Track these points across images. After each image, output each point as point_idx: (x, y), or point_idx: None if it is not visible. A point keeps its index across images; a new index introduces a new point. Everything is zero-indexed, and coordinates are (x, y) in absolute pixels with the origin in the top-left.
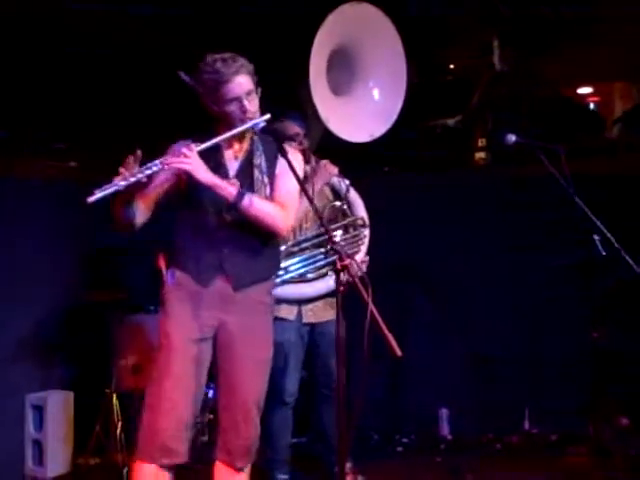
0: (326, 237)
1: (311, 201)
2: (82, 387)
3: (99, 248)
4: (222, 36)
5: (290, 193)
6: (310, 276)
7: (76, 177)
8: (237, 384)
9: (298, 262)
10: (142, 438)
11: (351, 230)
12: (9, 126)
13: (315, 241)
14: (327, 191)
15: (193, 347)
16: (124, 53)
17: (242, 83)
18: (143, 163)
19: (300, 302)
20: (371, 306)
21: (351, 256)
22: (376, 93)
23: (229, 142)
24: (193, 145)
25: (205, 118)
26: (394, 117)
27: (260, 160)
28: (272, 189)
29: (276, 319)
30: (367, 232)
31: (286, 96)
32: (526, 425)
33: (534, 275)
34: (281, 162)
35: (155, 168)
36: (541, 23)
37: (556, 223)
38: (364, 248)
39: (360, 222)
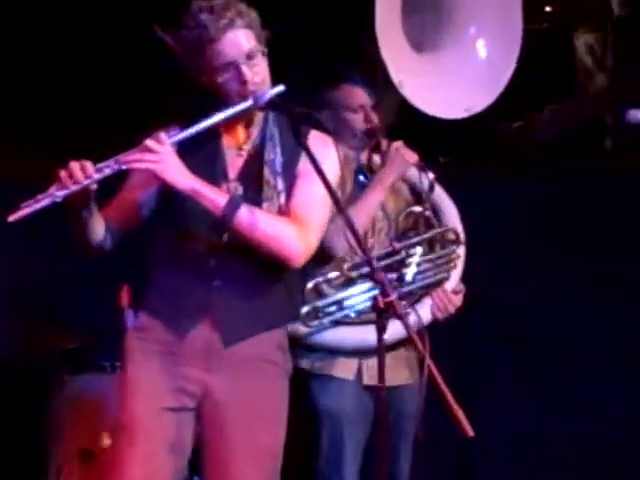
0: (402, 256)
1: (341, 211)
2: None
3: (30, 279)
4: None
5: (314, 203)
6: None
7: None
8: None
9: (358, 294)
10: None
11: (438, 247)
12: None
13: (385, 263)
14: (404, 189)
15: (166, 424)
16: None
17: (237, 41)
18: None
19: (361, 354)
20: (429, 363)
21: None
22: (481, 46)
23: (231, 127)
24: (163, 134)
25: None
26: (504, 82)
27: (274, 154)
28: (289, 197)
29: (330, 379)
30: (462, 251)
31: (344, 50)
32: None
33: None
34: (305, 157)
35: (109, 171)
36: None
37: None
38: (457, 273)
39: (452, 236)
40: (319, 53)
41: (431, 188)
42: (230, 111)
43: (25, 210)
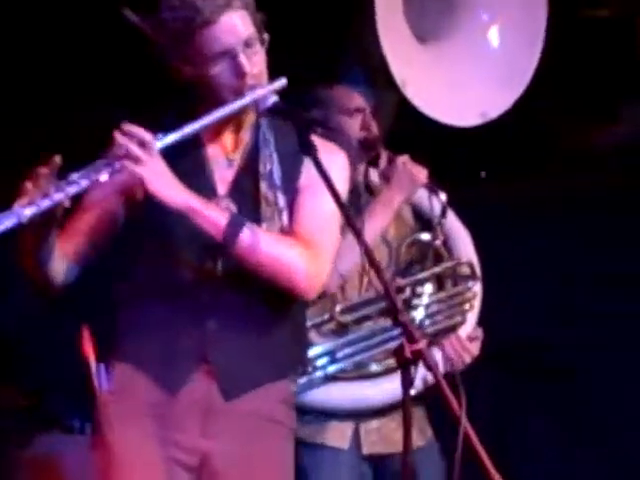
0: (406, 295)
1: (358, 235)
2: None
3: None
4: None
5: (323, 222)
6: (374, 368)
7: None
8: None
9: (354, 342)
10: None
11: (449, 284)
12: None
13: (382, 306)
14: (407, 214)
15: None
16: None
17: (235, 26)
18: (62, 175)
19: (358, 417)
20: (464, 424)
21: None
22: (494, 35)
23: (216, 132)
24: (149, 136)
25: (175, 90)
26: (526, 80)
27: (271, 164)
28: (292, 216)
29: (321, 448)
30: (478, 287)
31: (337, 43)
32: None
33: None
34: (308, 167)
35: (85, 183)
36: None
37: None
38: (473, 315)
39: (466, 270)
40: (309, 43)
41: (443, 213)
42: (226, 109)
43: None
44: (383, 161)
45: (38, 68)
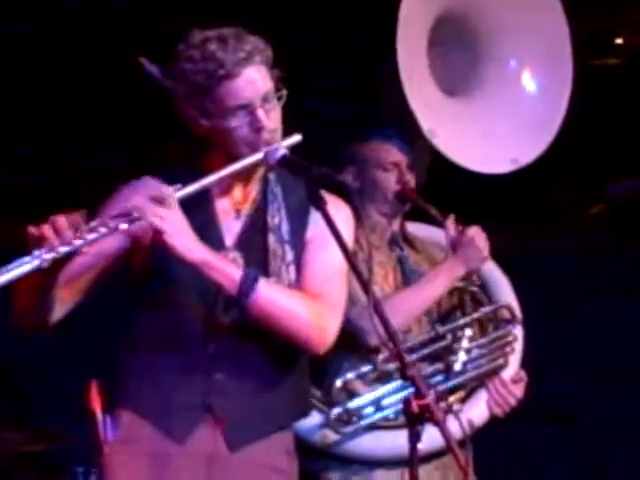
0: (447, 342)
1: (366, 289)
2: None
3: None
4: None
5: (332, 276)
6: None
7: None
8: None
9: (398, 390)
10: None
11: (490, 328)
12: None
13: (427, 351)
14: (439, 256)
15: None
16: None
17: (255, 80)
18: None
19: (403, 465)
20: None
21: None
22: (524, 82)
23: (225, 185)
24: (171, 189)
25: (188, 141)
26: (557, 125)
27: (279, 218)
28: (300, 270)
29: None
30: (520, 332)
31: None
32: None
33: None
34: (315, 220)
35: (104, 230)
36: None
37: None
38: (516, 358)
39: (506, 314)
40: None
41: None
42: (243, 163)
43: (6, 275)
44: (451, 229)
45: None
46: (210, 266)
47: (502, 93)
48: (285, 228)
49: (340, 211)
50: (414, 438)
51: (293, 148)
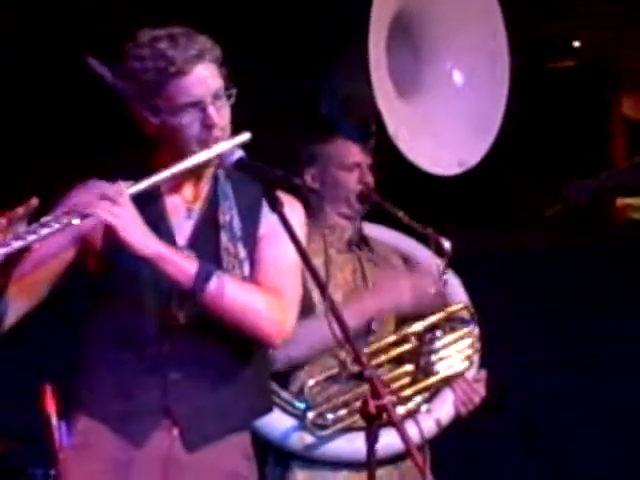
0: (413, 344)
1: (322, 289)
2: None
3: None
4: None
5: (286, 271)
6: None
7: None
8: None
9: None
10: None
11: (447, 328)
12: None
13: (395, 353)
14: (395, 261)
15: None
16: None
17: (206, 78)
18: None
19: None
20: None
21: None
22: (461, 85)
23: (175, 183)
24: (122, 185)
25: (136, 140)
26: (495, 127)
27: (230, 216)
28: (254, 265)
29: None
30: (477, 330)
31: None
32: None
33: None
34: (267, 217)
35: (57, 226)
36: None
37: None
38: (476, 357)
39: (465, 314)
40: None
41: (448, 258)
42: (193, 160)
43: None
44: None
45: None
46: (165, 260)
47: (443, 95)
48: (237, 225)
49: (294, 210)
50: (372, 438)
51: (250, 149)
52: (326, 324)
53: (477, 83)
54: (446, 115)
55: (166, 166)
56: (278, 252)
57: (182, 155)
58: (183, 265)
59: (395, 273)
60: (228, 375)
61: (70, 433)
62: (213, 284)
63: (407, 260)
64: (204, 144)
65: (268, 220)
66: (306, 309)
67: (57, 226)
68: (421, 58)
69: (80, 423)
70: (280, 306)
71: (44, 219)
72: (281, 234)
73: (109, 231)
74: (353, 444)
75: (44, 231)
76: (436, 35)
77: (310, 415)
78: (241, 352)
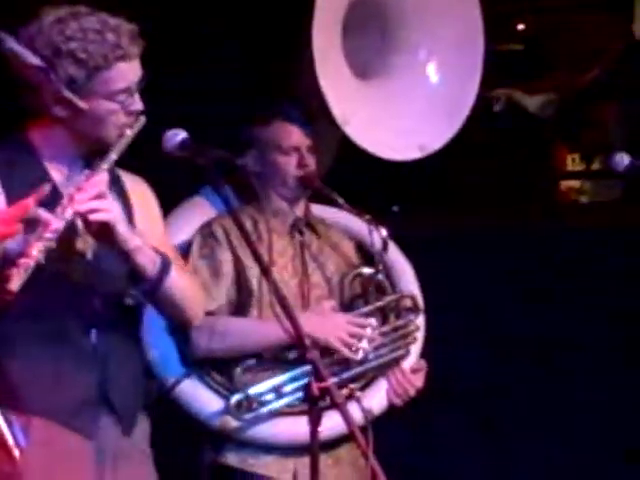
0: None
1: (266, 272)
2: None
3: None
4: None
5: (176, 252)
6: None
7: None
8: None
9: (299, 377)
10: None
11: (392, 317)
12: None
13: None
14: (349, 248)
15: None
16: None
17: (136, 66)
18: None
19: (297, 453)
20: (372, 464)
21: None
22: (432, 72)
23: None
24: (104, 174)
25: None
26: (464, 114)
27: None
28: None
29: (254, 477)
30: (421, 320)
31: (269, 79)
32: None
33: None
34: (142, 206)
35: (69, 215)
36: None
37: None
38: (417, 348)
39: (408, 303)
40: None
41: (384, 247)
42: (123, 142)
43: (21, 277)
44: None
45: None
46: (142, 251)
47: (410, 79)
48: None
49: (146, 189)
50: (315, 421)
51: (192, 130)
52: (256, 329)
53: (448, 69)
54: (411, 98)
55: (54, 148)
56: (162, 237)
57: (89, 139)
58: (153, 255)
59: (332, 313)
60: (137, 358)
61: (25, 434)
62: (171, 272)
63: (361, 247)
64: (122, 129)
65: (148, 210)
66: (245, 295)
67: (69, 215)
68: (389, 40)
69: (33, 422)
70: (201, 288)
71: (58, 210)
72: (153, 218)
73: (100, 226)
74: (281, 427)
75: (62, 220)
76: (406, 16)
77: (234, 399)
78: (135, 336)
